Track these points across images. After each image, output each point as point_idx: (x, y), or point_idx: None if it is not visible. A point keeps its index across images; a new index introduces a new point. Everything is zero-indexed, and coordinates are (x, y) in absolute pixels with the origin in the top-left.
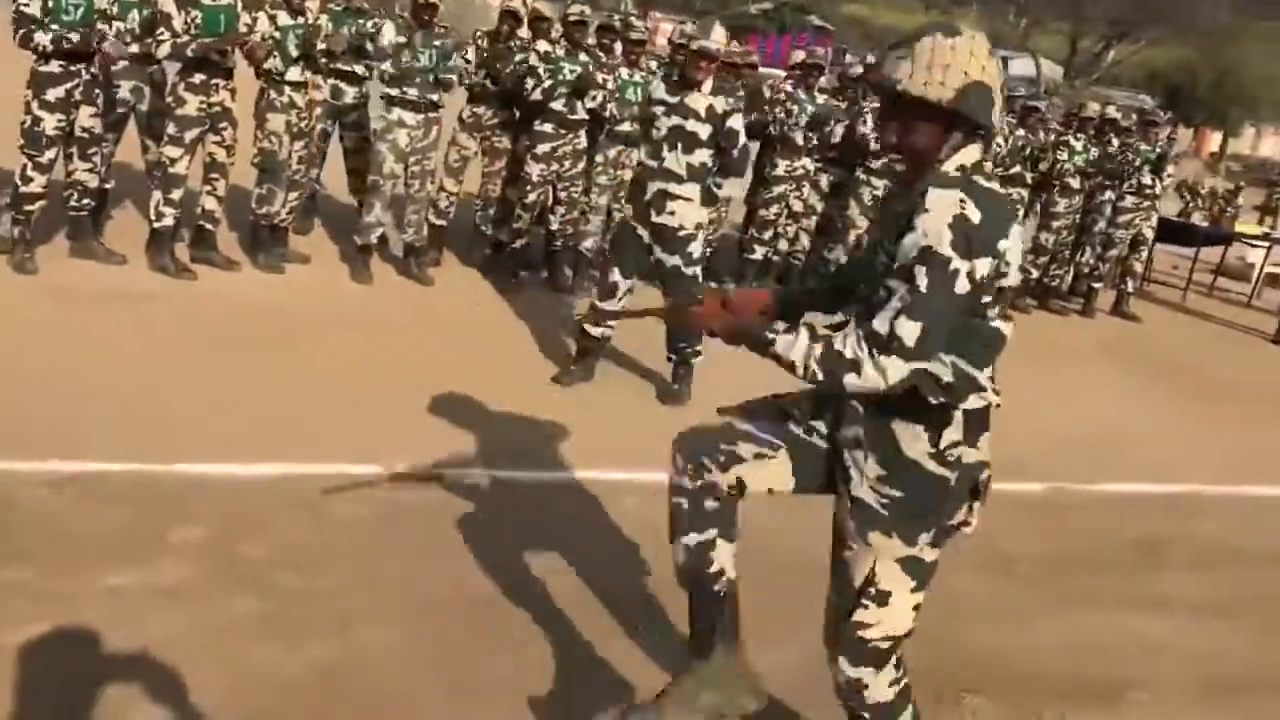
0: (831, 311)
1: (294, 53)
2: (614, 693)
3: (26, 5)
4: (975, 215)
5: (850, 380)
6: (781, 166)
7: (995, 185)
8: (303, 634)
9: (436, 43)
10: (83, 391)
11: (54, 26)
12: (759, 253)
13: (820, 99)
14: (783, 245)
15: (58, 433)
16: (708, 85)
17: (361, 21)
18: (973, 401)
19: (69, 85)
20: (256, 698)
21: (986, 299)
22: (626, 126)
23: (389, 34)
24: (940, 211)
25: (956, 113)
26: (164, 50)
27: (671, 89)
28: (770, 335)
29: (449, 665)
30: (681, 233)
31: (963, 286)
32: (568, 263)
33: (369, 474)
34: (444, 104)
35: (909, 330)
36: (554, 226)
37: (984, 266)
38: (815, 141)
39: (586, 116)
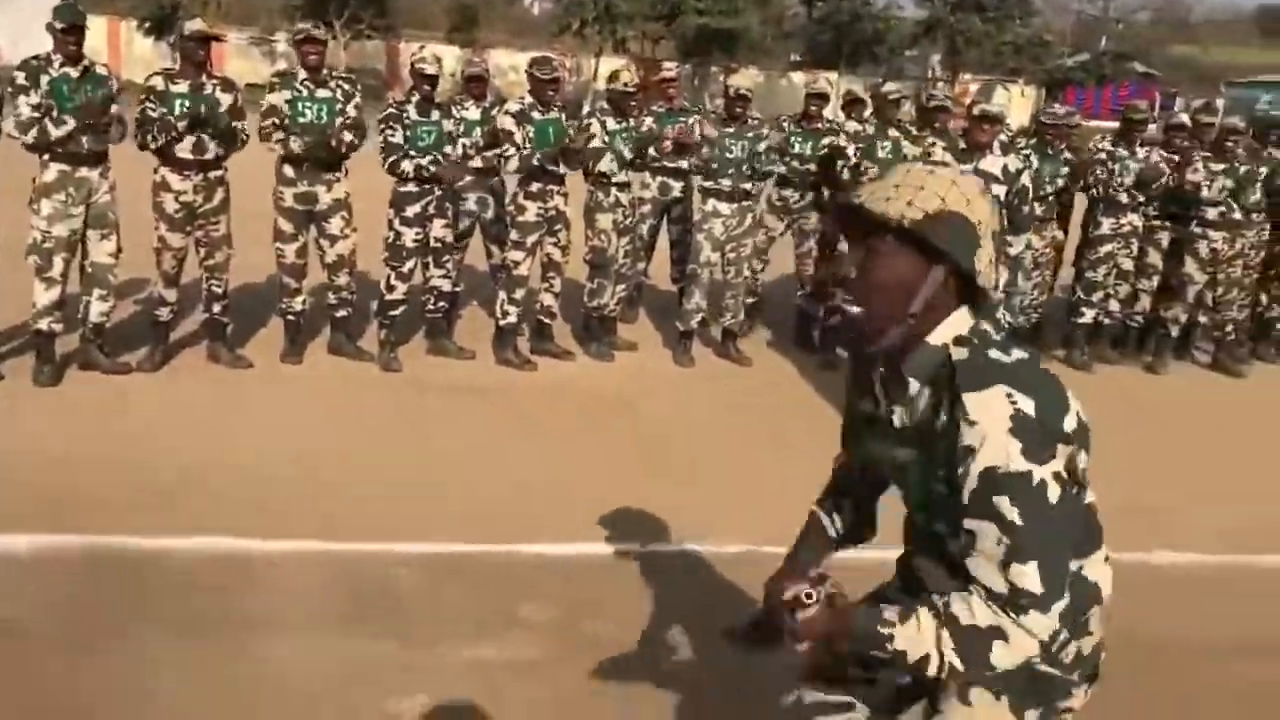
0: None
1: (628, 156)
2: None
3: (393, 135)
4: (1029, 405)
5: (1000, 655)
6: (1106, 225)
7: (1012, 354)
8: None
9: (749, 134)
10: (437, 475)
11: (412, 153)
12: (1088, 315)
13: (1142, 153)
14: (1113, 305)
15: (416, 513)
16: (996, 147)
17: (682, 120)
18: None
19: (424, 201)
20: None
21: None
22: None
23: (703, 129)
24: (991, 420)
25: (925, 242)
26: (512, 165)
27: (961, 156)
28: (886, 629)
29: None
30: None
31: (1055, 494)
32: None
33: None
34: (758, 192)
35: (1029, 576)
36: None
37: (1062, 459)
38: (1142, 199)
39: None
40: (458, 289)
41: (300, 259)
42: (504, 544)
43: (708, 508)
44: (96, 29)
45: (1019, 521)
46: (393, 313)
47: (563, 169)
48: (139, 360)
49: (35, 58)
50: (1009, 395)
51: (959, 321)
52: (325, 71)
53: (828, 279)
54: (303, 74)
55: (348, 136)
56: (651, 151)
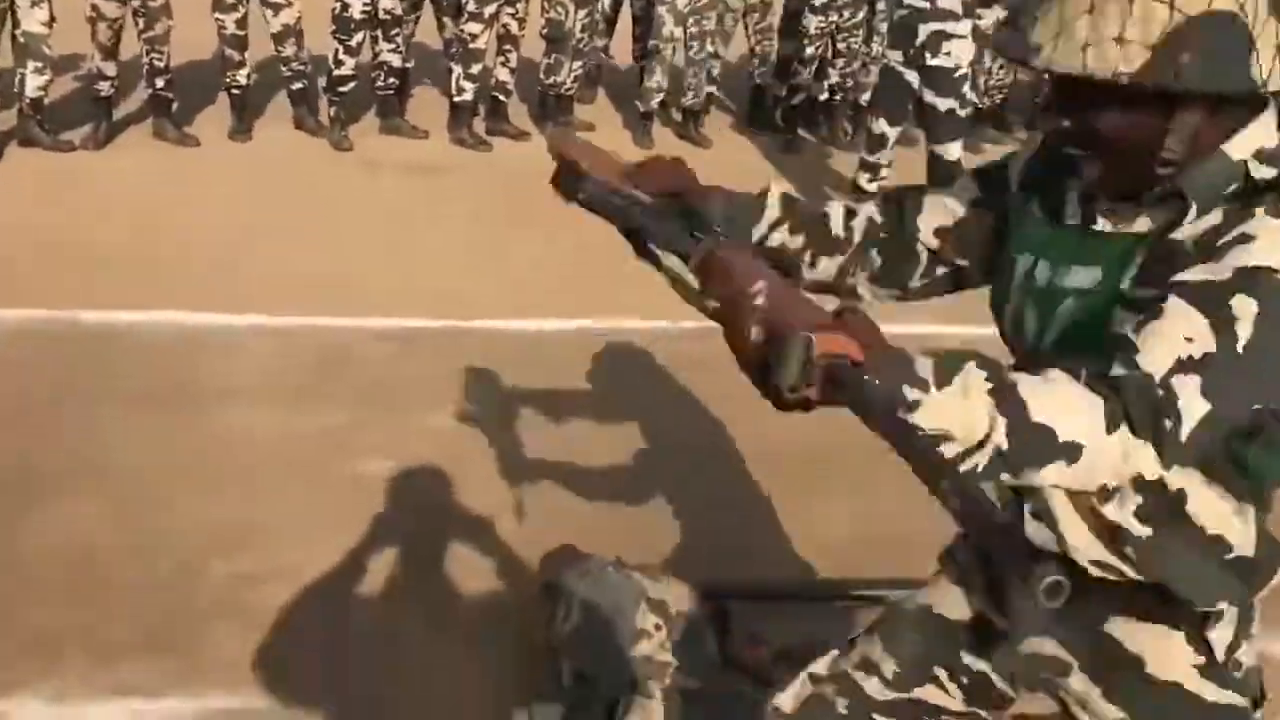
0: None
1: None
2: None
3: None
4: None
5: (1052, 472)
6: None
7: None
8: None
9: None
10: (390, 256)
11: None
12: None
13: None
14: None
15: (376, 291)
16: None
17: None
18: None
19: None
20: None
21: None
22: None
23: None
24: None
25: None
26: None
27: None
28: (915, 383)
29: None
30: (957, 74)
31: None
32: (846, 117)
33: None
34: None
35: (1195, 409)
36: (833, 80)
37: None
38: None
39: None
40: (409, 64)
41: (241, 30)
42: (459, 320)
43: (661, 286)
44: None
45: (1241, 345)
46: (342, 89)
47: None
48: (82, 138)
49: None
50: None
51: (1262, 131)
52: None
53: (792, 55)
54: None
55: None
56: None
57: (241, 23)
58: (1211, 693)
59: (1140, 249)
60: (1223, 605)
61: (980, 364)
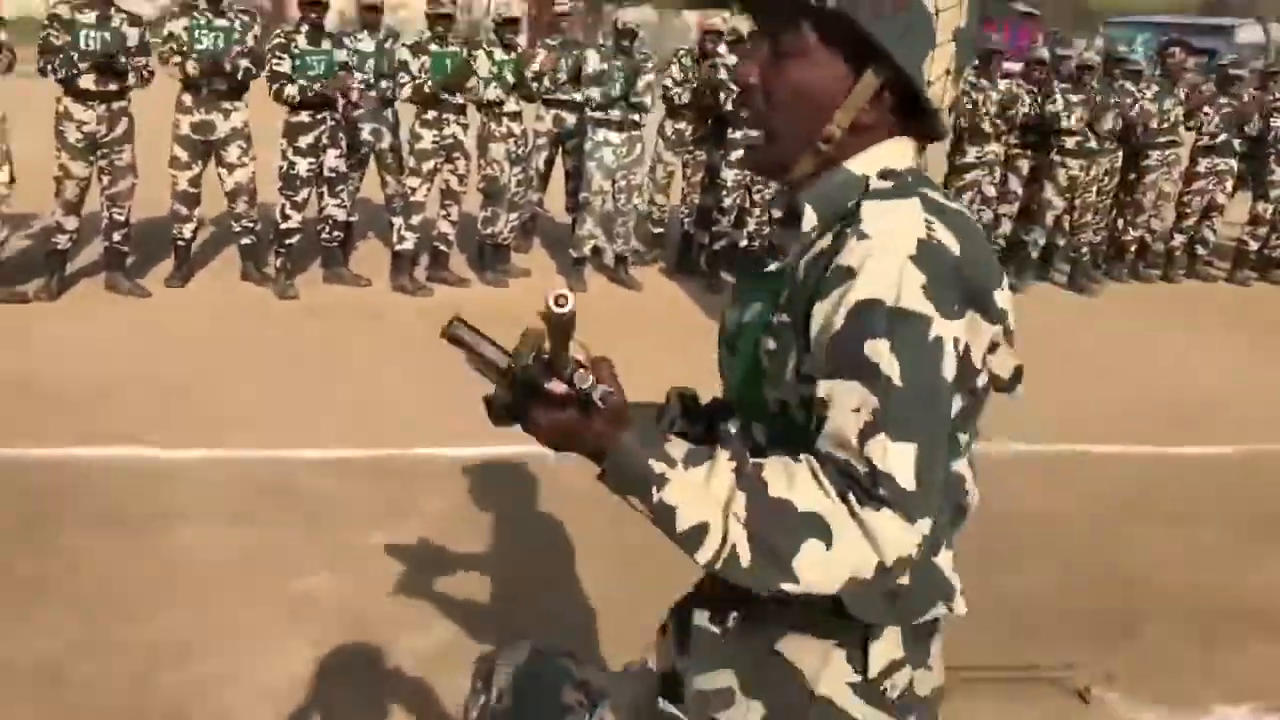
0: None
1: (511, 81)
2: None
3: (279, 64)
4: (949, 240)
5: (810, 562)
6: (971, 154)
7: (959, 205)
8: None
9: (634, 67)
10: (330, 391)
11: (300, 81)
12: None
13: (1003, 84)
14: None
15: (321, 423)
16: None
17: (576, 53)
18: (953, 606)
19: (317, 131)
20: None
21: (960, 404)
22: None
23: (593, 62)
24: (890, 235)
25: (854, 29)
26: (405, 93)
27: None
28: (659, 465)
29: None
30: None
31: (950, 367)
32: None
33: None
34: (644, 122)
35: (900, 460)
36: (750, 227)
37: (971, 329)
38: (1005, 127)
39: None
40: (353, 218)
41: (194, 187)
42: (398, 448)
43: None
44: None
45: (898, 381)
46: (289, 241)
47: (459, 98)
48: (35, 289)
49: None
50: (927, 221)
51: (895, 152)
52: (224, 2)
53: (712, 205)
54: (202, 3)
55: (243, 63)
56: (546, 83)
57: (195, 180)
58: (858, 709)
59: (787, 277)
60: (876, 621)
61: (732, 455)
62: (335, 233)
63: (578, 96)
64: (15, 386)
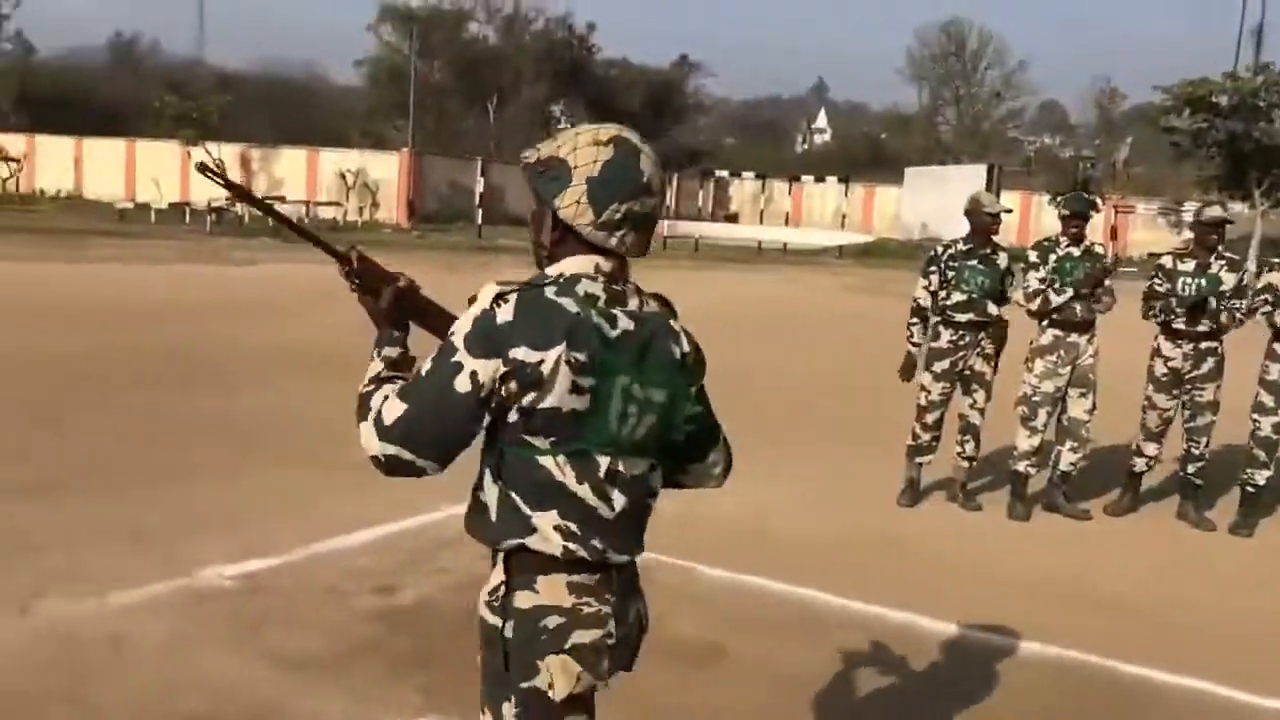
0: None
1: None
2: None
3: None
4: (505, 313)
5: (362, 429)
6: None
7: (567, 299)
8: None
9: None
10: None
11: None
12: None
13: None
14: None
15: None
16: None
17: None
18: (534, 542)
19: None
20: None
21: (515, 418)
22: None
23: None
24: (476, 303)
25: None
26: None
27: None
28: (378, 348)
29: None
30: None
31: (464, 384)
32: None
33: None
34: None
35: (392, 409)
36: None
37: (489, 369)
38: None
39: None
40: None
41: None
42: None
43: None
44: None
45: (423, 370)
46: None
47: None
48: (1107, 505)
49: (1046, 239)
50: (498, 297)
51: (576, 264)
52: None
53: None
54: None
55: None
56: None
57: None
58: (487, 614)
59: None
60: (478, 540)
61: (384, 365)
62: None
63: None
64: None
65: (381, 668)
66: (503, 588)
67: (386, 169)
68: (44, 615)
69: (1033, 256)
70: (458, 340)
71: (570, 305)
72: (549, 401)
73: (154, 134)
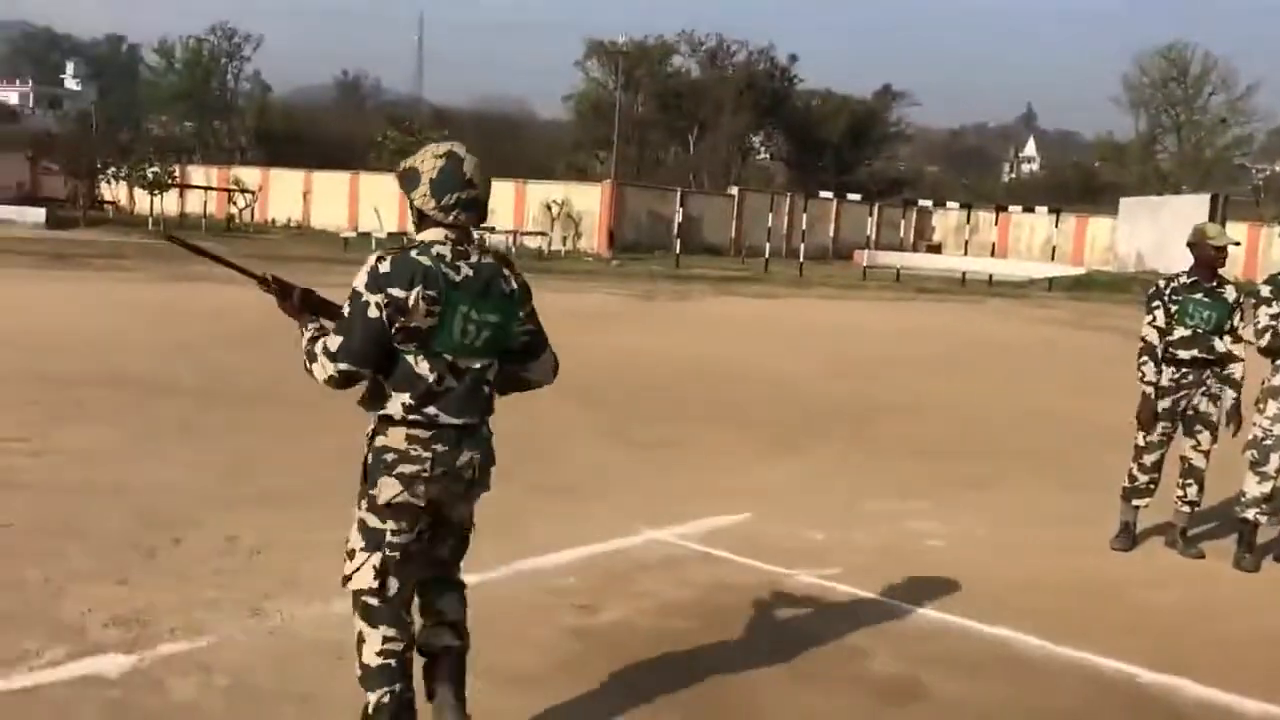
0: None
1: None
2: None
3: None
4: (385, 267)
5: (315, 367)
6: None
7: (424, 257)
8: None
9: None
10: None
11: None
12: None
13: None
14: None
15: None
16: None
17: None
18: (390, 407)
19: None
20: None
21: (395, 332)
22: None
23: None
24: (367, 262)
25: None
26: None
27: None
28: (303, 328)
29: None
30: None
31: (373, 312)
32: None
33: None
34: None
35: (333, 341)
36: None
37: (379, 300)
38: None
39: None
40: None
41: None
42: None
43: None
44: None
45: (345, 311)
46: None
47: None
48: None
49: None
50: (380, 257)
51: (431, 234)
52: None
53: None
54: None
55: None
56: None
57: None
58: (364, 445)
59: None
60: (366, 409)
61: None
62: None
63: None
64: None
65: (585, 685)
66: (371, 433)
67: (589, 200)
68: (274, 617)
69: (1265, 291)
70: (360, 286)
71: (424, 260)
72: (413, 322)
73: (376, 167)
